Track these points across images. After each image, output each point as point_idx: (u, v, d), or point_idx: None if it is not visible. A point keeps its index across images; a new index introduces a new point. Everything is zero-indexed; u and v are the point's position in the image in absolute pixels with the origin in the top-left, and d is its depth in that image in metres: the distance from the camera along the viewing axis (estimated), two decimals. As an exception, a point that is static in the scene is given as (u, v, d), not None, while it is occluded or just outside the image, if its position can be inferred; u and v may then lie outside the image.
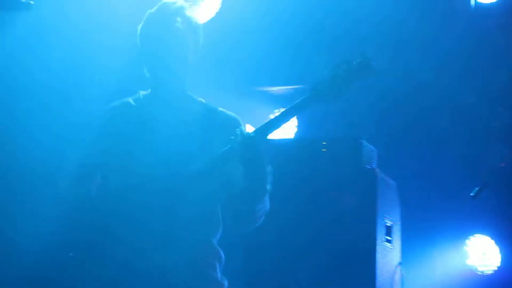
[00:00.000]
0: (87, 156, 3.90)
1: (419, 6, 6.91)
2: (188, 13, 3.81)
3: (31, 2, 3.64)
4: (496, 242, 6.88)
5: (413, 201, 6.50)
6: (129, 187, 3.63)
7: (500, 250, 6.86)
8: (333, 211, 5.62)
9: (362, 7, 6.88)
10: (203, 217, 3.68)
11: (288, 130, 7.32)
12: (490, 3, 6.96)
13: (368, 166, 5.77)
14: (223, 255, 3.80)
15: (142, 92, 3.93)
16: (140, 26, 3.84)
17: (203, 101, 3.91)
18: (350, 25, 6.91)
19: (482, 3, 6.98)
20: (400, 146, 6.81)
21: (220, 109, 3.89)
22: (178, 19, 3.76)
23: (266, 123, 3.52)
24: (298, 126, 7.34)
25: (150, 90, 3.90)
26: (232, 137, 3.49)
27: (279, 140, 6.59)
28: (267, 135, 3.53)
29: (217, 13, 7.24)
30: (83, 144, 3.98)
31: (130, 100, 3.91)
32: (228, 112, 3.88)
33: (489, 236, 6.91)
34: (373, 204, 5.55)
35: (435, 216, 6.85)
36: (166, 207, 3.55)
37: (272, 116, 3.64)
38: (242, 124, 3.78)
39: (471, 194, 5.46)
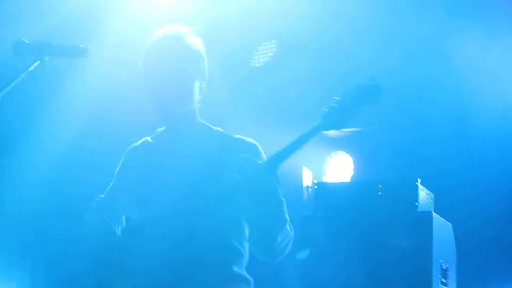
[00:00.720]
0: (108, 196, 3.89)
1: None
2: (189, 40, 3.72)
3: (89, 47, 3.69)
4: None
5: (469, 244, 6.49)
6: (148, 223, 3.58)
7: None
8: (389, 254, 5.67)
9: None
10: (221, 248, 3.55)
11: (344, 173, 7.40)
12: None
13: (423, 209, 5.82)
14: (252, 282, 3.67)
15: (159, 129, 3.89)
16: (140, 60, 3.77)
17: (220, 129, 3.82)
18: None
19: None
20: (456, 188, 6.82)
21: (237, 136, 3.78)
22: (177, 46, 3.69)
23: (277, 152, 3.38)
24: (355, 169, 7.42)
25: (164, 126, 3.85)
26: (240, 167, 3.37)
27: (336, 183, 6.70)
28: (279, 164, 3.39)
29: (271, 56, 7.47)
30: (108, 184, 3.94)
31: (149, 138, 3.89)
32: (247, 139, 3.76)
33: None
34: (429, 247, 5.58)
35: (491, 259, 6.82)
36: (184, 240, 3.45)
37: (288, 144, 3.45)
38: (260, 150, 3.71)
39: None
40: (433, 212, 5.72)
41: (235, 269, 3.61)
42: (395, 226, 5.74)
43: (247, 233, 3.63)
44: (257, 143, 3.73)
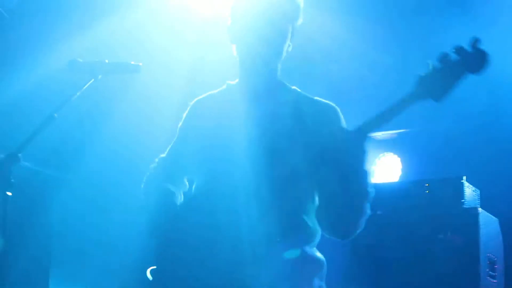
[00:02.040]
0: (170, 157, 3.65)
1: None
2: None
3: (140, 64, 3.70)
4: None
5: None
6: (216, 191, 3.28)
7: None
8: (438, 249, 5.77)
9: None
10: (294, 226, 3.24)
11: (392, 174, 7.51)
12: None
13: (470, 205, 5.92)
14: (324, 262, 3.35)
15: (229, 82, 3.60)
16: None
17: (297, 89, 3.53)
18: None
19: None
20: (503, 183, 6.84)
21: (316, 98, 3.48)
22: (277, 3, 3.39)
23: (367, 120, 3.03)
24: (402, 170, 7.51)
25: (237, 79, 3.55)
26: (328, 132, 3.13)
27: (384, 183, 6.81)
28: (369, 133, 3.04)
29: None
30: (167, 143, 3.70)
31: (216, 92, 3.62)
32: (325, 101, 3.45)
33: None
34: (476, 241, 5.67)
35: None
36: (255, 214, 3.13)
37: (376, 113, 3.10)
38: (340, 115, 3.41)
39: None
40: (479, 208, 5.81)
41: (308, 249, 3.29)
42: (443, 223, 5.84)
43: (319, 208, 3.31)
44: (336, 107, 3.45)
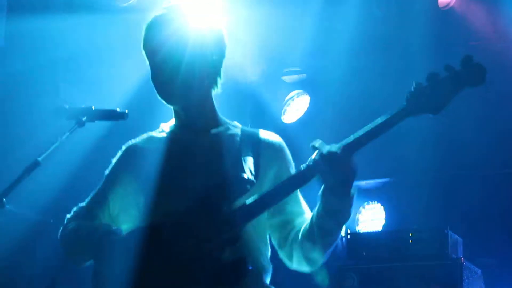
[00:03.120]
0: (92, 204, 3.32)
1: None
2: (202, 17, 3.22)
3: (126, 111, 3.65)
4: None
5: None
6: (159, 230, 3.02)
7: None
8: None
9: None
10: (249, 257, 3.02)
11: (376, 223, 7.52)
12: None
13: (454, 256, 5.93)
14: None
15: (164, 125, 3.38)
16: (142, 35, 3.23)
17: (239, 125, 3.36)
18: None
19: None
20: (485, 234, 6.87)
21: (261, 130, 3.33)
22: (189, 22, 3.17)
23: (353, 138, 2.92)
24: (386, 219, 7.53)
25: (173, 119, 3.34)
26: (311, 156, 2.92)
27: (368, 233, 6.82)
28: (354, 152, 2.92)
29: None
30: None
31: (152, 134, 3.36)
32: (270, 133, 3.31)
33: None
34: (459, 293, 5.69)
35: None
36: (199, 251, 2.95)
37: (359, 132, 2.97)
38: (283, 148, 3.27)
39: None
40: (462, 258, 5.83)
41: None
42: (427, 273, 5.85)
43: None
44: (281, 140, 3.33)
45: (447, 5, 6.83)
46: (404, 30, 6.89)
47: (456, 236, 6.09)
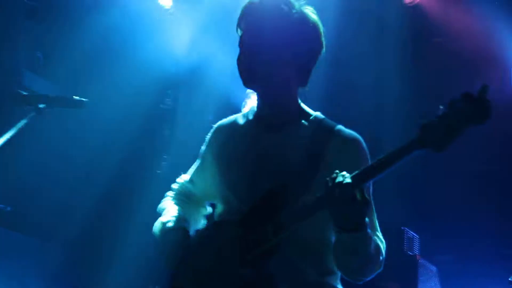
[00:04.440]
0: (191, 180, 3.44)
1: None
2: (298, 7, 3.13)
3: (84, 100, 3.69)
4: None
5: (454, 286, 6.59)
6: (222, 220, 3.17)
7: None
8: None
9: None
10: (307, 259, 3.04)
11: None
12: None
13: (409, 253, 5.95)
14: None
15: (253, 107, 3.32)
16: (239, 14, 3.20)
17: (320, 116, 3.22)
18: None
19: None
20: (442, 232, 6.91)
21: (338, 128, 3.15)
22: (286, 11, 3.11)
23: (365, 168, 2.79)
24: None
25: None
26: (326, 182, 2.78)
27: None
28: (364, 184, 2.80)
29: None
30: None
31: (240, 117, 3.35)
32: (347, 132, 3.13)
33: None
34: (414, 289, 5.71)
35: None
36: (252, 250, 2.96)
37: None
38: (363, 147, 3.11)
39: (510, 279, 5.58)
40: (418, 255, 5.85)
41: (328, 281, 3.10)
42: (382, 270, 5.84)
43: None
44: (359, 138, 3.13)
45: (413, 1, 6.86)
46: (371, 24, 6.91)
47: (413, 233, 6.11)
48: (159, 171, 7.48)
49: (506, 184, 7.01)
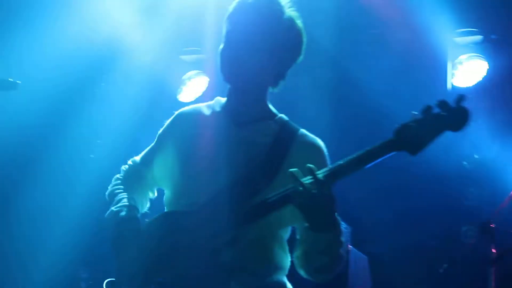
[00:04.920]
0: (144, 162, 3.50)
1: (396, 83, 7.11)
2: (289, 13, 3.26)
3: (18, 82, 3.69)
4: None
5: (386, 276, 6.64)
6: (180, 210, 3.20)
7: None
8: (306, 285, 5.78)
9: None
10: (263, 256, 3.15)
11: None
12: (466, 87, 7.16)
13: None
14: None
15: (219, 99, 3.43)
16: (230, 9, 3.28)
17: (284, 118, 3.34)
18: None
19: (459, 87, 7.19)
20: (375, 222, 6.96)
21: (301, 131, 3.29)
22: (274, 15, 3.21)
23: (337, 166, 2.91)
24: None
25: (226, 98, 3.39)
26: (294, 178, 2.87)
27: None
28: (335, 181, 2.91)
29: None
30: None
31: (204, 107, 3.43)
32: (310, 137, 3.27)
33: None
34: (344, 279, 5.71)
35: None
36: (213, 244, 3.06)
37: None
38: (325, 154, 3.22)
39: (440, 270, 5.64)
40: (350, 246, 5.86)
41: (278, 278, 3.21)
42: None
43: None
44: (322, 145, 3.26)
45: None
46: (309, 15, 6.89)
47: (344, 223, 6.10)
48: (92, 156, 7.43)
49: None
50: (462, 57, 7.16)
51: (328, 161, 3.19)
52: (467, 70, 7.13)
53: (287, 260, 3.26)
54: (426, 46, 7.12)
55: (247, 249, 3.10)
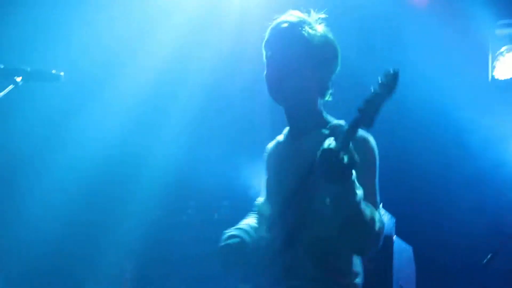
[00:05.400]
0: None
1: (439, 76, 7.11)
2: (320, 29, 3.56)
3: (61, 73, 3.77)
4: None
5: (429, 267, 6.64)
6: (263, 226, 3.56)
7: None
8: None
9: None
10: (319, 258, 3.38)
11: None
12: (505, 79, 7.14)
13: (385, 233, 5.97)
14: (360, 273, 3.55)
15: (285, 129, 3.73)
16: (266, 35, 3.61)
17: (339, 123, 3.55)
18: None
19: (499, 79, 7.17)
20: (419, 213, 6.96)
21: (361, 134, 3.38)
22: (301, 32, 3.50)
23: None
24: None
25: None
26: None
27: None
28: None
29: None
30: None
31: (280, 137, 3.75)
32: (360, 134, 3.31)
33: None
34: (389, 269, 5.73)
35: (450, 283, 6.98)
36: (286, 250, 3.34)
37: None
38: (371, 145, 3.43)
39: (484, 261, 5.64)
40: (394, 236, 5.88)
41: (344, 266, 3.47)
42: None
43: None
44: (370, 139, 3.45)
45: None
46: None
47: (389, 213, 6.13)
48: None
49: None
50: (503, 48, 7.12)
51: (374, 151, 3.42)
52: (508, 62, 7.08)
53: (356, 263, 3.53)
54: (468, 39, 7.10)
55: (305, 253, 3.35)
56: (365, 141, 3.41)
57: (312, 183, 3.29)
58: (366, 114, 3.03)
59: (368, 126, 3.05)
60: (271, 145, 3.78)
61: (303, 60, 3.48)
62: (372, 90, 3.05)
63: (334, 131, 3.43)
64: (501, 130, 7.07)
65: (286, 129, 3.70)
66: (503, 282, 6.83)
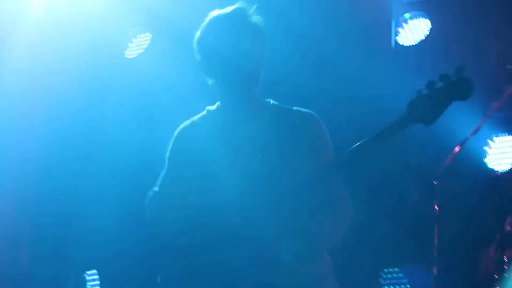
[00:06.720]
0: (166, 185, 3.67)
1: (340, 41, 7.10)
2: (255, 17, 3.60)
3: None
4: None
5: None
6: (212, 215, 3.40)
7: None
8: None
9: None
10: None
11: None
12: (409, 45, 7.20)
13: None
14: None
15: (209, 108, 3.68)
16: (202, 29, 3.62)
17: (275, 103, 3.64)
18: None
19: (402, 45, 7.23)
20: None
21: (295, 108, 3.60)
22: (249, 19, 3.56)
23: (356, 146, 3.22)
24: None
25: (218, 103, 3.67)
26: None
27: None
28: (356, 161, 3.22)
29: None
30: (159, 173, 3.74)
31: (197, 119, 3.69)
32: (304, 110, 3.56)
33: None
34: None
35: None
36: (253, 233, 3.28)
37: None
38: (318, 121, 3.55)
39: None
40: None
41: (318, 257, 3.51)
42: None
43: None
44: (314, 114, 3.58)
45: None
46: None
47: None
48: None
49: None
50: (406, 15, 7.18)
51: (323, 129, 3.55)
52: (411, 29, 7.15)
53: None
54: (370, 5, 7.11)
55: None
56: (315, 118, 3.56)
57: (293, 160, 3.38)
58: (414, 115, 3.14)
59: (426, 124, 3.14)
60: (184, 126, 3.71)
61: (259, 44, 3.56)
62: (425, 90, 3.13)
63: (281, 110, 3.57)
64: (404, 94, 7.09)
65: (207, 112, 3.67)
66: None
